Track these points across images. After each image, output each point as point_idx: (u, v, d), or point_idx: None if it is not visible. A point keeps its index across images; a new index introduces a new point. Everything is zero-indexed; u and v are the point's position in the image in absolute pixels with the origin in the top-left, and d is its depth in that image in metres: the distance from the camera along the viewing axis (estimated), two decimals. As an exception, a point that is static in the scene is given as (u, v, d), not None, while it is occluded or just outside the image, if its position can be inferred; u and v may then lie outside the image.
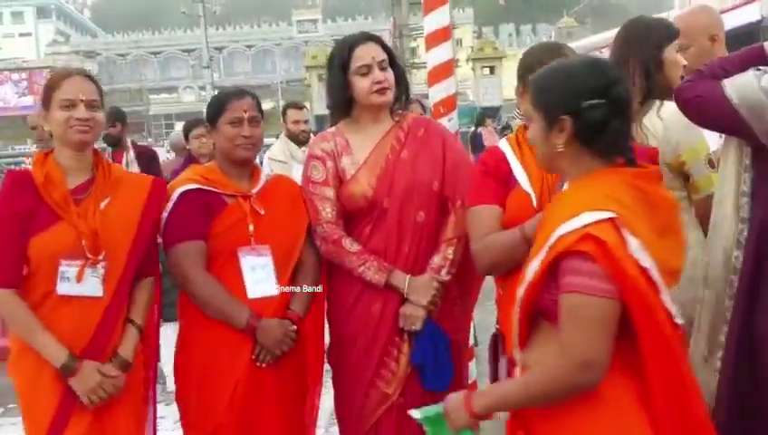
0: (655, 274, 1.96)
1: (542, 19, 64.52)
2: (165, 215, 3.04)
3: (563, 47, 2.91)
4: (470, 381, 3.86)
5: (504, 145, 2.89)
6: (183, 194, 3.06)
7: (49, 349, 2.76)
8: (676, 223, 2.13)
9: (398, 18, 36.60)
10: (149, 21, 70.85)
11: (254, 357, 3.00)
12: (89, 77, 2.96)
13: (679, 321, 2.03)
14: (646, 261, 1.94)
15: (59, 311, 2.80)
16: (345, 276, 3.15)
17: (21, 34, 69.57)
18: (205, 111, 3.23)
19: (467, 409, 2.14)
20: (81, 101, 2.85)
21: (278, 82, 49.56)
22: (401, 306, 3.10)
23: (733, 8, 8.49)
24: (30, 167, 2.94)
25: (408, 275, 3.09)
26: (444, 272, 3.12)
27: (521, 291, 2.08)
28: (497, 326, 2.96)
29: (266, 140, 4.18)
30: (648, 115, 3.06)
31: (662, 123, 3.03)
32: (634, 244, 1.93)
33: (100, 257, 2.82)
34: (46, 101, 2.88)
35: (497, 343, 2.89)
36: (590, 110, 2.06)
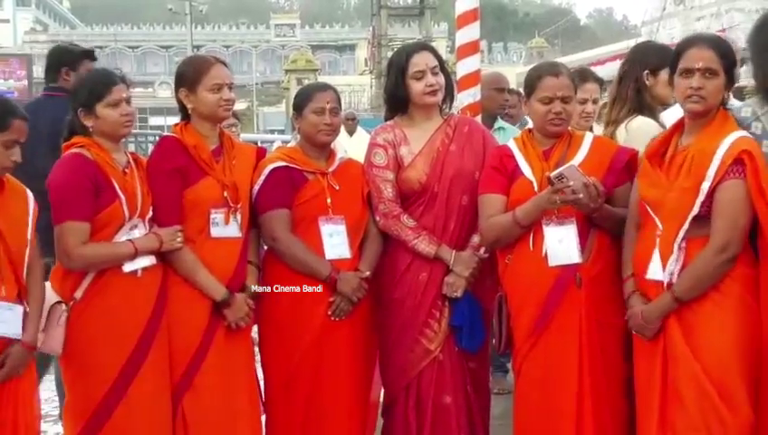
0: None
1: (513, 38, 65.34)
2: (256, 187, 3.52)
3: (561, 65, 3.56)
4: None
5: (512, 143, 3.52)
6: (273, 170, 3.54)
7: (209, 284, 3.31)
8: None
9: (378, 28, 37.12)
10: (128, 16, 70.58)
11: (329, 313, 3.50)
12: (225, 63, 3.50)
13: None
14: None
15: (210, 250, 3.34)
16: (398, 247, 3.63)
17: (-2, 21, 68.87)
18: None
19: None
20: (226, 84, 3.40)
21: (254, 84, 49.68)
22: (445, 276, 3.59)
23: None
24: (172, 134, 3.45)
25: (454, 250, 3.59)
26: (483, 250, 3.62)
27: (696, 209, 2.89)
28: (502, 291, 3.49)
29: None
30: (619, 126, 3.73)
31: (626, 134, 3.68)
32: None
33: (239, 206, 3.39)
34: (193, 83, 3.38)
35: (501, 304, 3.46)
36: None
